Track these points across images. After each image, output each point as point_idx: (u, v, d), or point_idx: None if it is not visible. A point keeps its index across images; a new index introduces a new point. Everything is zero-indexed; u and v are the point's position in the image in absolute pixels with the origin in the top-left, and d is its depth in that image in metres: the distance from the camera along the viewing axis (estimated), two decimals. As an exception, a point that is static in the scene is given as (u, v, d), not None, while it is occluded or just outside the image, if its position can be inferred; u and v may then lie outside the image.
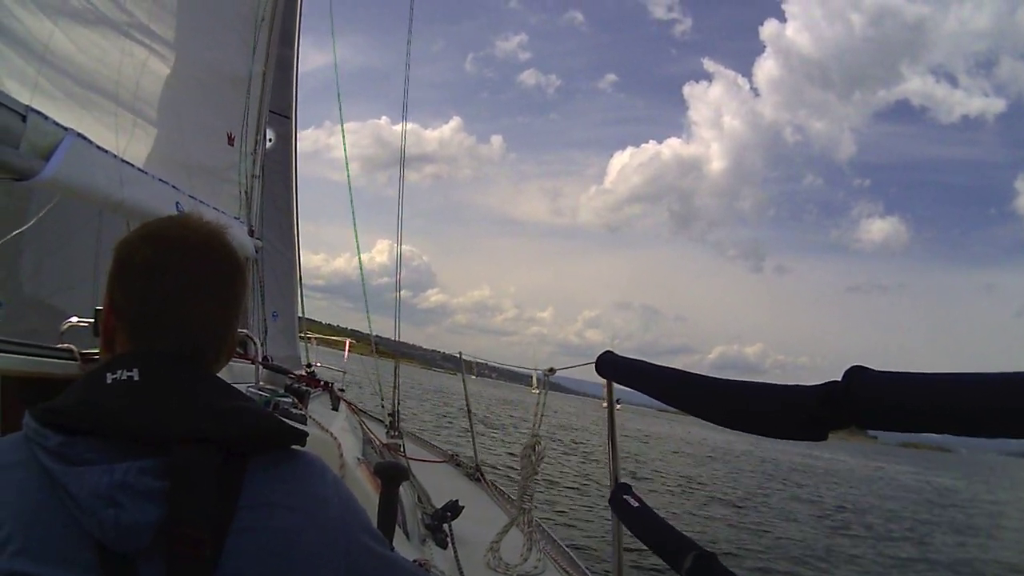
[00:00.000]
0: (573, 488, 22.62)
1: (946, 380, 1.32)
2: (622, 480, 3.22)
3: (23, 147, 2.70)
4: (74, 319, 4.87)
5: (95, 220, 6.84)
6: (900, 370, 1.44)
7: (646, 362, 2.84)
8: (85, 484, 1.23)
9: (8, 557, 1.23)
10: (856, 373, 1.46)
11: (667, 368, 2.62)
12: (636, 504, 2.96)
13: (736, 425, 2.07)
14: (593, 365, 3.20)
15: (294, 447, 1.46)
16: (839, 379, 1.49)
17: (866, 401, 1.44)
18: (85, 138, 3.12)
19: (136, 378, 1.36)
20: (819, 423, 1.59)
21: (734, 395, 2.05)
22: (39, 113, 2.79)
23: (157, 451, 1.28)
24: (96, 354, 4.40)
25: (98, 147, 3.25)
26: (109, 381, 1.36)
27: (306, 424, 4.06)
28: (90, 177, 3.18)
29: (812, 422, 1.60)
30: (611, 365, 3.12)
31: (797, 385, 1.72)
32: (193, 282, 1.49)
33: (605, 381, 3.23)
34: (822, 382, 1.56)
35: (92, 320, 4.68)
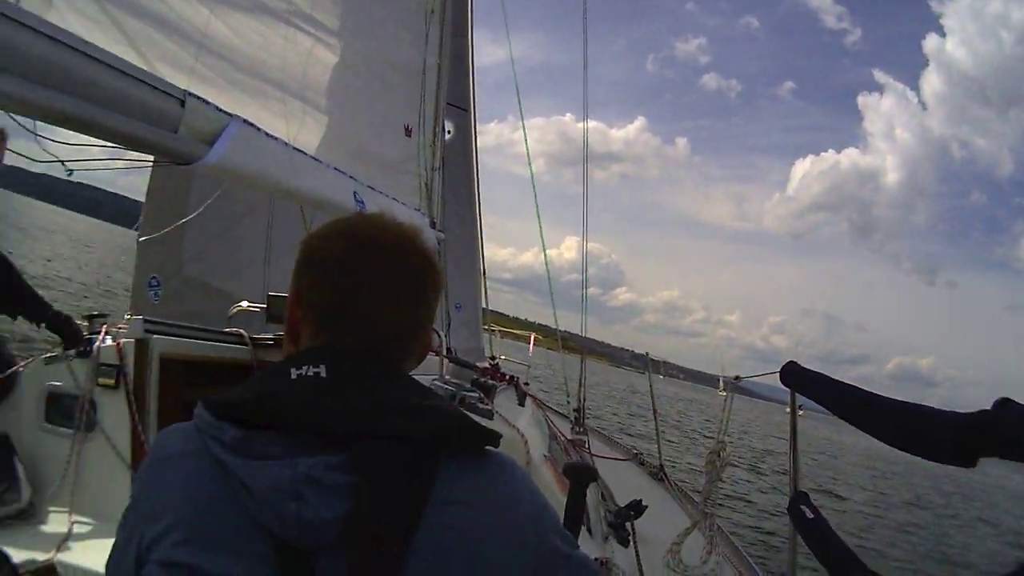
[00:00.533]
0: (755, 494, 22.21)
1: None
2: (801, 489, 3.20)
3: (182, 131, 2.69)
4: (245, 304, 4.94)
5: (265, 206, 6.95)
6: None
7: (824, 375, 2.93)
8: (265, 478, 1.21)
9: (169, 546, 1.22)
10: (1003, 405, 1.49)
11: (843, 383, 2.73)
12: (811, 515, 2.96)
13: (896, 444, 2.15)
14: (778, 374, 3.24)
15: (487, 448, 1.40)
16: (988, 408, 1.53)
17: (1013, 431, 1.46)
18: (252, 124, 3.12)
19: (323, 374, 1.34)
20: (968, 450, 1.64)
21: (896, 416, 2.13)
22: (198, 98, 2.78)
23: (343, 448, 1.24)
24: (268, 340, 4.47)
25: (267, 134, 3.25)
26: (294, 376, 1.34)
27: (492, 419, 4.07)
28: (260, 164, 3.18)
29: (962, 449, 1.66)
30: (794, 376, 3.16)
31: (952, 412, 1.77)
32: (383, 281, 1.46)
33: (790, 390, 3.26)
34: (975, 410, 1.61)
35: (264, 306, 4.76)
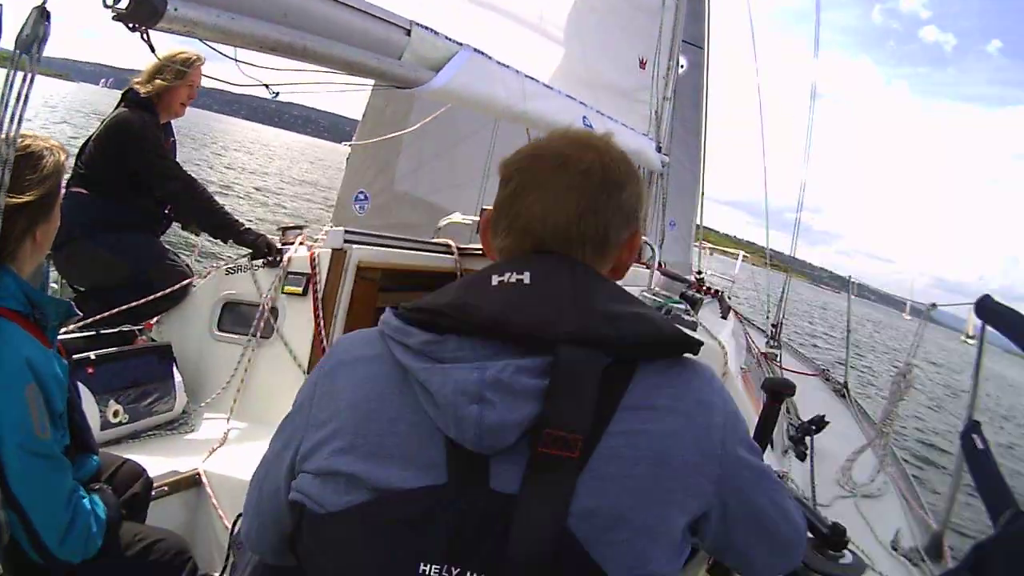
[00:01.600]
0: (930, 419, 21.09)
1: None
2: (976, 418, 3.09)
3: (405, 58, 2.60)
4: (456, 216, 4.81)
5: (488, 131, 6.75)
6: None
7: (1021, 314, 2.72)
8: (449, 381, 1.12)
9: (329, 454, 1.19)
10: None
11: None
12: (981, 446, 2.86)
13: None
14: (972, 306, 3.13)
15: (686, 355, 1.28)
16: None
17: None
18: (482, 53, 2.98)
19: (527, 281, 1.23)
20: None
21: None
22: (425, 27, 2.67)
23: (539, 353, 1.14)
24: (477, 250, 4.30)
25: (498, 62, 3.12)
26: (495, 283, 1.24)
27: (696, 330, 3.92)
28: (487, 89, 3.05)
29: None
30: (988, 310, 3.01)
31: None
32: (542, 181, 1.35)
33: (980, 322, 3.13)
34: None
35: (476, 219, 4.59)
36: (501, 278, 1.24)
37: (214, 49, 2.10)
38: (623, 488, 1.11)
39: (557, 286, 1.23)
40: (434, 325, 1.20)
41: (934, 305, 4.40)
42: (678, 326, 1.25)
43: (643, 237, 1.49)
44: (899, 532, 3.70)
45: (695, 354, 1.27)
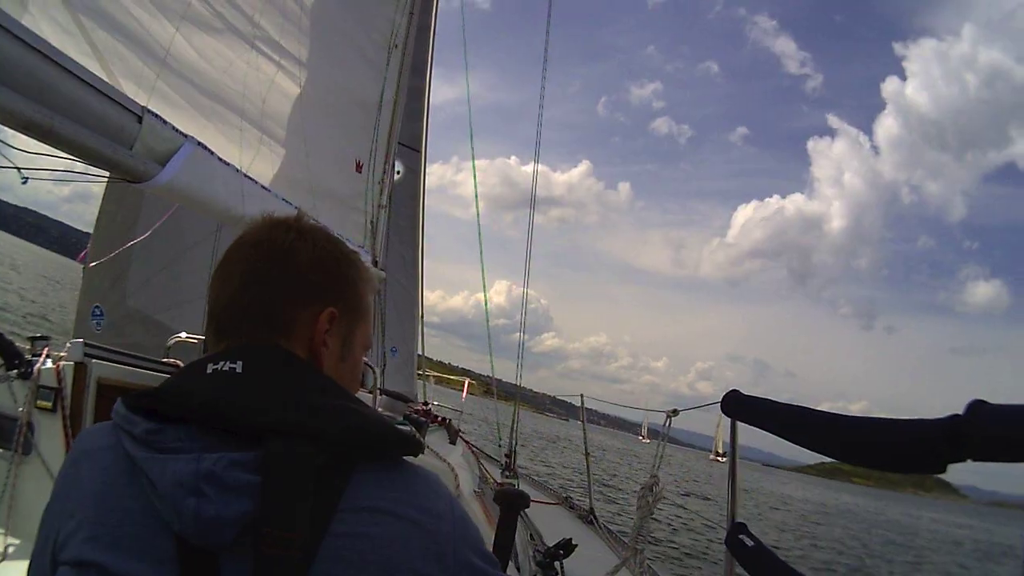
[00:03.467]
0: (685, 532, 22.16)
1: None
2: (739, 520, 3.14)
3: (137, 148, 2.63)
4: (183, 335, 4.87)
5: (210, 238, 6.86)
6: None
7: (771, 400, 2.84)
8: (168, 472, 1.16)
9: (79, 543, 1.20)
10: (978, 406, 1.48)
11: (793, 405, 2.63)
12: (752, 544, 2.89)
13: (857, 459, 2.11)
14: (718, 405, 3.16)
15: (408, 459, 1.34)
16: (960, 412, 1.51)
17: (988, 432, 1.45)
18: (206, 147, 3.04)
19: (239, 370, 1.29)
20: (940, 456, 1.61)
21: (857, 430, 2.08)
22: (156, 116, 2.72)
23: (254, 445, 1.19)
24: None
25: (220, 159, 3.17)
26: (209, 371, 1.29)
27: (424, 453, 3.95)
28: (210, 188, 3.10)
29: (933, 455, 1.63)
30: (737, 403, 3.08)
31: (919, 419, 1.74)
32: (221, 266, 1.46)
33: (729, 420, 3.16)
34: (944, 416, 1.58)
35: (203, 338, 4.67)
36: (216, 366, 1.30)
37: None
38: None
39: (269, 376, 1.30)
40: (156, 413, 1.24)
41: (675, 411, 4.40)
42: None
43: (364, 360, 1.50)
44: None
45: (415, 456, 1.33)
